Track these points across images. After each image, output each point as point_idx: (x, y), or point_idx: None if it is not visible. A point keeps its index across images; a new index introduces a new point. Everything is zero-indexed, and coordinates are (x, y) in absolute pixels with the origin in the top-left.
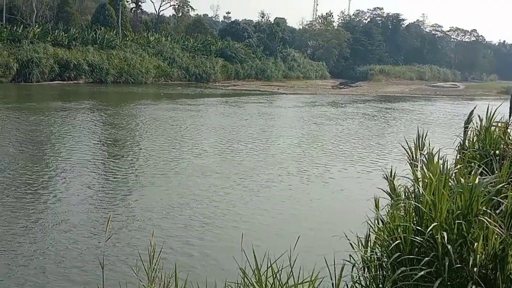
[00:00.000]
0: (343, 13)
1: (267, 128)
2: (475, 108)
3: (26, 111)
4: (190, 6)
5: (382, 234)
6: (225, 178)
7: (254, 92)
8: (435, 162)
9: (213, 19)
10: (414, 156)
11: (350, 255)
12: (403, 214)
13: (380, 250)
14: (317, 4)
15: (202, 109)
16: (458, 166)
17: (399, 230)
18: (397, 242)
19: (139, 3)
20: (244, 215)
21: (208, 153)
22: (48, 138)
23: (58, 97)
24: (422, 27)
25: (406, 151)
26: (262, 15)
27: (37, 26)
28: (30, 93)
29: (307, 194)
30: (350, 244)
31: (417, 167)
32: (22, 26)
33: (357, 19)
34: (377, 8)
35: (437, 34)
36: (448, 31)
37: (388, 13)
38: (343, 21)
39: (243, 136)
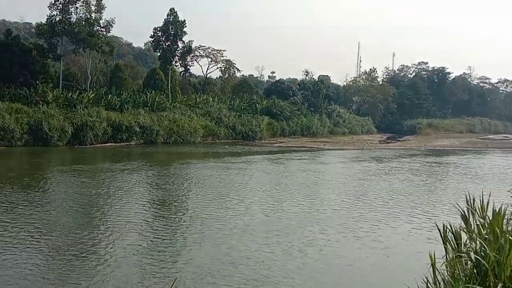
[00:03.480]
0: (387, 68)
1: (310, 185)
2: None
3: (79, 173)
4: (236, 67)
5: None
6: (270, 237)
7: (300, 148)
8: (496, 219)
9: (258, 79)
10: (468, 212)
11: None
12: (462, 273)
13: None
14: (360, 61)
15: (248, 167)
16: None
17: None
18: None
19: (188, 67)
20: (293, 276)
21: (252, 212)
22: (98, 199)
23: (110, 158)
24: (469, 79)
25: (460, 208)
26: (306, 73)
27: (91, 91)
28: (84, 156)
29: (355, 252)
30: None
31: (472, 224)
32: (77, 91)
33: (402, 73)
34: (422, 62)
35: (485, 86)
36: (497, 83)
37: (433, 67)
38: (387, 76)
39: (287, 193)
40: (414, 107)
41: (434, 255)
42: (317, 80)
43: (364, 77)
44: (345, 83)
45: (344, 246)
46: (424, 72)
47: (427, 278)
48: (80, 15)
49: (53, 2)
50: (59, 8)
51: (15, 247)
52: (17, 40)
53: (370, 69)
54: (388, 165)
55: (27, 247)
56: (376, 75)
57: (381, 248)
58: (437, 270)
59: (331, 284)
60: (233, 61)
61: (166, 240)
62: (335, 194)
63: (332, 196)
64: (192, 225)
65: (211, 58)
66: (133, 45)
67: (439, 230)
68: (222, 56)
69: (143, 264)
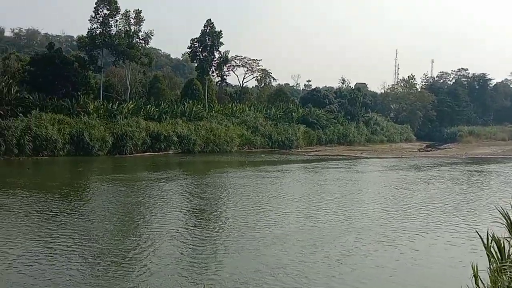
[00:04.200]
0: (426, 75)
1: (347, 194)
2: None
3: (119, 182)
4: (272, 76)
5: None
6: (306, 246)
7: (336, 157)
8: None
9: (294, 87)
10: None
11: None
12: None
13: None
14: (398, 68)
15: (284, 176)
16: None
17: None
18: None
19: (224, 77)
20: (330, 286)
21: (288, 221)
22: (137, 208)
23: (149, 168)
24: (511, 86)
25: (505, 216)
26: (342, 81)
27: (131, 102)
28: (123, 165)
29: (394, 262)
30: None
31: None
32: (117, 102)
33: (441, 80)
34: (462, 69)
35: None
36: None
37: (474, 74)
38: (426, 83)
39: (323, 203)
40: (454, 115)
41: (477, 266)
42: (354, 88)
43: (402, 84)
44: (382, 91)
45: (382, 256)
46: (464, 79)
47: None
48: (120, 27)
49: (93, 15)
50: (99, 21)
51: (57, 254)
52: (59, 53)
53: (408, 76)
54: (427, 174)
55: (68, 254)
56: (414, 82)
57: (421, 259)
58: (481, 280)
59: None
60: (269, 70)
61: (202, 248)
62: (372, 203)
63: (369, 205)
64: (228, 233)
65: (247, 67)
66: (171, 56)
67: (482, 240)
68: (258, 66)
69: (180, 272)
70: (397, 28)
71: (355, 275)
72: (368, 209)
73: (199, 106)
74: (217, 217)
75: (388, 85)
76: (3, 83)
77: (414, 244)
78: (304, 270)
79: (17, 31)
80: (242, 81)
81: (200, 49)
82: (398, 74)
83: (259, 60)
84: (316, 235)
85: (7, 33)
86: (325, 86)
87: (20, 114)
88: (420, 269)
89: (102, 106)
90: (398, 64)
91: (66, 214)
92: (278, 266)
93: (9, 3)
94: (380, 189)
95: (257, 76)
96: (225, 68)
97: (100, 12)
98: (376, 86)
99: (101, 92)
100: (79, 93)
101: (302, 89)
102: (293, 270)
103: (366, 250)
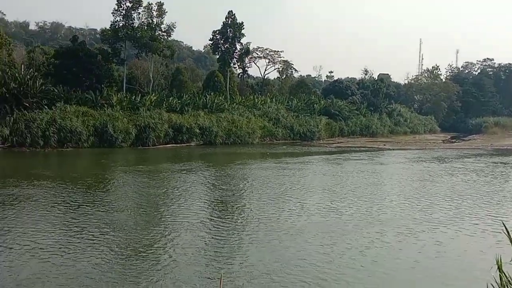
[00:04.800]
0: (451, 65)
1: (369, 186)
2: None
3: (142, 173)
4: (293, 68)
5: None
6: (327, 238)
7: (359, 149)
8: None
9: (316, 79)
10: None
11: None
12: None
13: None
14: (422, 58)
15: (305, 168)
16: None
17: None
18: None
19: (246, 68)
20: (349, 280)
21: (309, 213)
22: (158, 199)
23: (171, 159)
24: None
25: None
26: (365, 72)
27: (153, 94)
28: (146, 156)
29: (416, 255)
30: None
31: None
32: (140, 94)
33: (466, 71)
34: (487, 59)
35: None
36: None
37: (500, 64)
38: (451, 74)
39: (344, 194)
40: (479, 105)
41: (501, 258)
42: (376, 78)
43: (426, 75)
44: (406, 81)
45: (404, 249)
46: (490, 69)
47: (492, 284)
48: (142, 20)
49: (116, 8)
50: (122, 14)
51: (78, 245)
52: (83, 46)
53: (432, 67)
54: (451, 166)
55: (89, 245)
56: (439, 72)
57: (444, 251)
58: (504, 273)
59: None
60: (290, 62)
61: (222, 239)
62: (395, 195)
63: (392, 197)
64: (248, 225)
65: (269, 59)
66: (192, 48)
67: (507, 232)
68: (280, 57)
69: (200, 263)
70: (421, 18)
71: (377, 266)
72: (391, 201)
73: (220, 98)
74: (237, 208)
75: (412, 76)
76: (28, 76)
77: (437, 236)
78: (327, 261)
79: (41, 24)
80: (264, 73)
81: (221, 41)
82: (422, 64)
83: (280, 51)
84: (337, 227)
85: (32, 27)
86: (348, 77)
87: (45, 107)
88: (443, 261)
89: (125, 98)
90: (422, 54)
91: (88, 205)
92: (301, 257)
93: None
94: (403, 180)
95: (278, 68)
96: (246, 60)
97: (123, 5)
98: (399, 77)
99: (124, 84)
100: (102, 86)
101: (324, 80)
102: (316, 261)
103: (388, 242)
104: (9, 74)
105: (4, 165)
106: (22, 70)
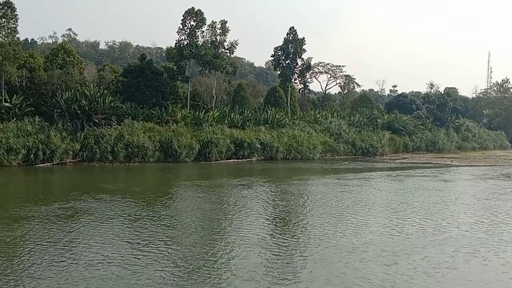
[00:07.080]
0: None
1: (432, 204)
2: None
3: (204, 188)
4: (355, 82)
5: None
6: (388, 257)
7: (424, 165)
8: None
9: (379, 93)
10: None
11: None
12: None
13: None
14: (491, 71)
15: (367, 184)
16: None
17: None
18: None
19: (307, 84)
20: None
21: (370, 231)
22: (219, 214)
23: (232, 174)
24: None
25: None
26: (431, 86)
27: (216, 110)
28: (209, 171)
29: (485, 277)
30: None
31: None
32: (203, 111)
33: None
34: None
35: None
36: None
37: None
38: None
39: (407, 213)
40: None
41: None
42: (443, 93)
43: (495, 88)
44: (474, 95)
45: (472, 270)
46: None
47: None
48: (206, 38)
49: (181, 27)
50: (187, 32)
51: (137, 259)
52: (150, 64)
53: (502, 80)
54: None
55: (152, 260)
56: (509, 86)
57: None
58: None
59: None
60: (352, 76)
61: (281, 257)
62: (460, 213)
63: (457, 215)
64: (308, 243)
65: (330, 74)
66: (254, 64)
67: None
68: (342, 72)
69: (259, 281)
70: (489, 30)
71: None
72: (456, 219)
73: (281, 113)
74: (297, 225)
75: (481, 90)
76: (98, 93)
77: (506, 257)
78: (388, 281)
79: (111, 44)
80: (325, 88)
81: (283, 57)
82: (491, 78)
83: (342, 66)
84: (400, 246)
85: (102, 46)
86: (412, 91)
87: (114, 123)
88: None
89: (189, 115)
90: (491, 68)
91: (148, 219)
92: (358, 277)
93: (104, 18)
94: (469, 198)
95: (340, 83)
96: (307, 75)
97: (188, 23)
98: (467, 91)
99: (188, 101)
100: (168, 102)
101: (388, 94)
102: (376, 280)
103: (453, 263)
104: (80, 91)
105: (74, 179)
106: (93, 87)
